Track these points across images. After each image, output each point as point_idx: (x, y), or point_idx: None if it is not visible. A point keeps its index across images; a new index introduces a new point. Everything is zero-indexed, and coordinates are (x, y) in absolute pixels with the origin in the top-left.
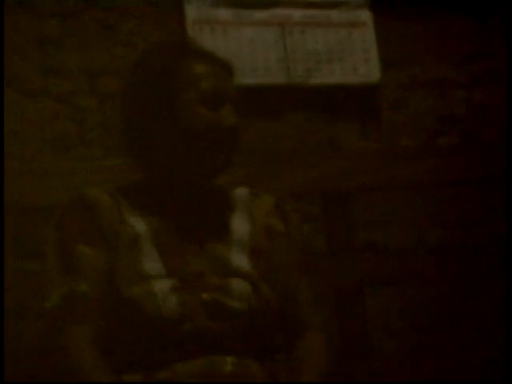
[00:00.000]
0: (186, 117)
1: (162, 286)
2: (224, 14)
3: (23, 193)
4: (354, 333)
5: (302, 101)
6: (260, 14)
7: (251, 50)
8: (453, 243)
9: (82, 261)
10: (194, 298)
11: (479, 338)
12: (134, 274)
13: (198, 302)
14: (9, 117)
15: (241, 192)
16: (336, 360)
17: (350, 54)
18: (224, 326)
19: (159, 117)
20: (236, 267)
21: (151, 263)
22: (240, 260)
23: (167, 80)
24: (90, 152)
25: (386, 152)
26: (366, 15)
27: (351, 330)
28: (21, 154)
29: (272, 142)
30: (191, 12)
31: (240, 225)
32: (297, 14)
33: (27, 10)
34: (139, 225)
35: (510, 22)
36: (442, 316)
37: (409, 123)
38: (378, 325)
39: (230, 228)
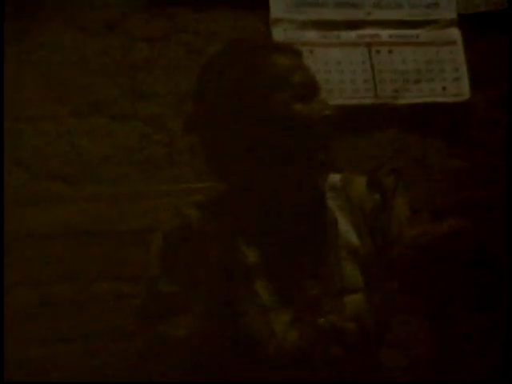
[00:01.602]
0: (283, 117)
1: (280, 320)
2: (311, 35)
3: (114, 216)
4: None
5: (390, 120)
6: (347, 35)
7: (339, 71)
8: None
9: (181, 304)
10: (312, 328)
11: None
12: (252, 307)
13: (315, 332)
14: (99, 141)
15: (334, 179)
16: None
17: (439, 73)
18: (339, 350)
19: (252, 120)
20: (348, 282)
21: (267, 296)
22: (352, 271)
23: (257, 78)
24: (179, 174)
25: (476, 171)
26: (454, 33)
27: None
28: (112, 177)
29: (360, 162)
30: (278, 34)
31: (344, 219)
32: (384, 33)
33: (116, 35)
34: (250, 252)
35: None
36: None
37: (499, 142)
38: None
39: (336, 225)
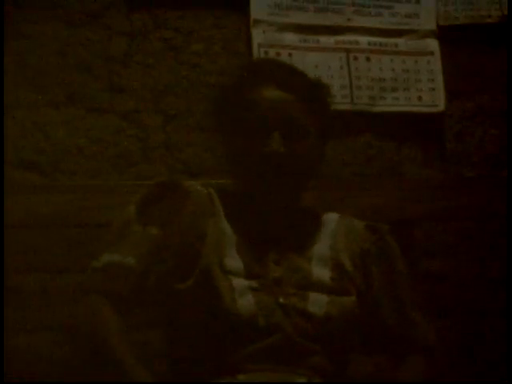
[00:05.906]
0: (241, 145)
1: (240, 283)
2: (290, 38)
3: (85, 208)
4: None
5: (365, 127)
6: (326, 40)
7: (316, 76)
8: None
9: (142, 239)
10: (271, 300)
11: None
12: (217, 267)
13: (274, 304)
14: (74, 133)
15: (331, 216)
16: None
17: (415, 82)
18: (299, 326)
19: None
20: (316, 280)
21: (232, 261)
22: (320, 273)
23: (233, 105)
24: (152, 170)
25: (449, 181)
26: (433, 44)
27: None
28: (85, 170)
29: (334, 168)
30: (257, 35)
31: (323, 241)
32: (363, 40)
33: (96, 27)
34: (227, 227)
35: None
36: (501, 349)
37: (473, 153)
38: None
39: (313, 243)
